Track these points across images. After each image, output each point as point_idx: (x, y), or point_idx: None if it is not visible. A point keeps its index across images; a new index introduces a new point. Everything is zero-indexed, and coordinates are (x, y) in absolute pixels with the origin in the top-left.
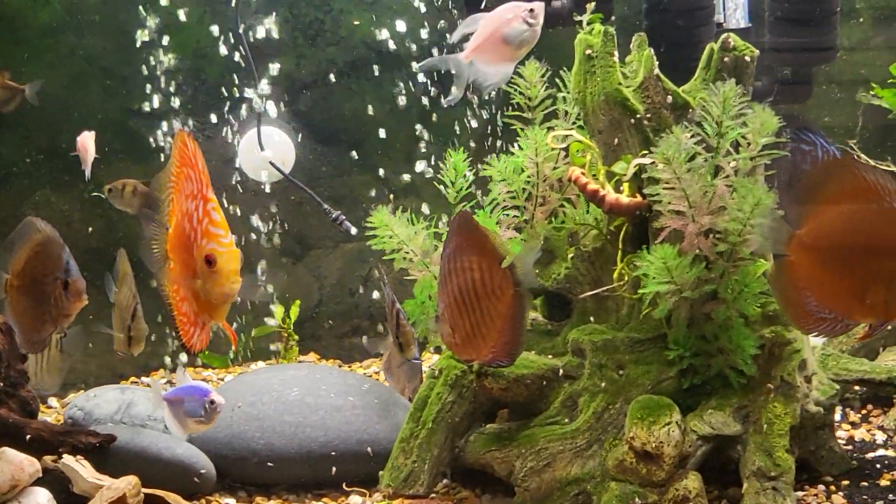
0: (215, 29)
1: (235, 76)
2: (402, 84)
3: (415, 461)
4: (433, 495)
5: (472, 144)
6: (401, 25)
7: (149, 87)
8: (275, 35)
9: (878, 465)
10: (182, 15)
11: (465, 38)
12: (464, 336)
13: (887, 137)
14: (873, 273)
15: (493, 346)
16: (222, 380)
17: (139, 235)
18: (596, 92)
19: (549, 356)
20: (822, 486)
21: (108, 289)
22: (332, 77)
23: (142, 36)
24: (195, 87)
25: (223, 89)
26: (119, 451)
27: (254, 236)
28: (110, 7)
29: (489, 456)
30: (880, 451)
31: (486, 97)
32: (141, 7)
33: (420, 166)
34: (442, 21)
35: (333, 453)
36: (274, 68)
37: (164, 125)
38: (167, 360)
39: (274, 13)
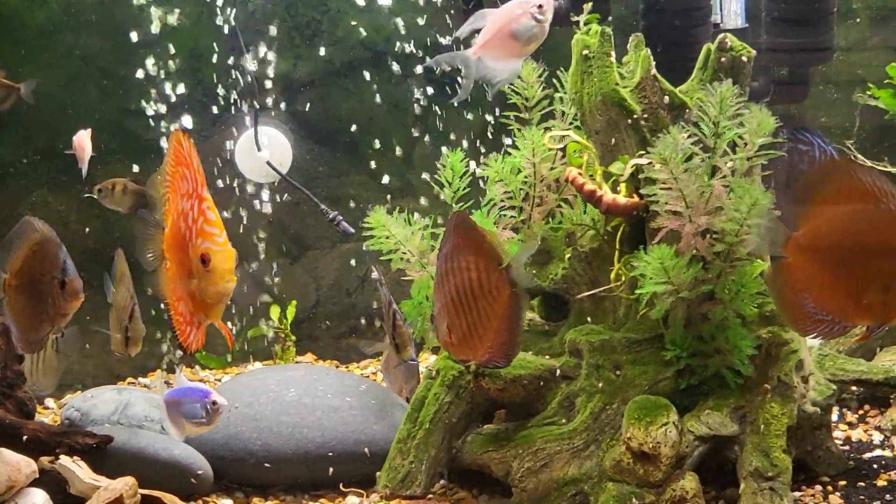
0: (212, 29)
1: (232, 76)
2: (399, 84)
3: (412, 462)
4: (430, 496)
5: (469, 144)
6: (398, 26)
7: (146, 87)
8: (272, 35)
9: (874, 466)
10: (179, 15)
11: (473, 34)
12: (460, 336)
13: (884, 138)
14: (870, 274)
15: (490, 347)
16: (219, 380)
17: (135, 235)
18: (593, 92)
19: (547, 357)
20: (819, 487)
21: (107, 289)
22: (329, 77)
23: (139, 36)
24: (192, 87)
25: (220, 89)
26: (116, 451)
27: (250, 237)
28: (107, 7)
29: (486, 456)
30: (877, 452)
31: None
32: (138, 7)
33: (417, 167)
34: (446, 17)
35: (330, 454)
36: (271, 68)
37: (161, 125)
38: (165, 360)
39: (271, 14)
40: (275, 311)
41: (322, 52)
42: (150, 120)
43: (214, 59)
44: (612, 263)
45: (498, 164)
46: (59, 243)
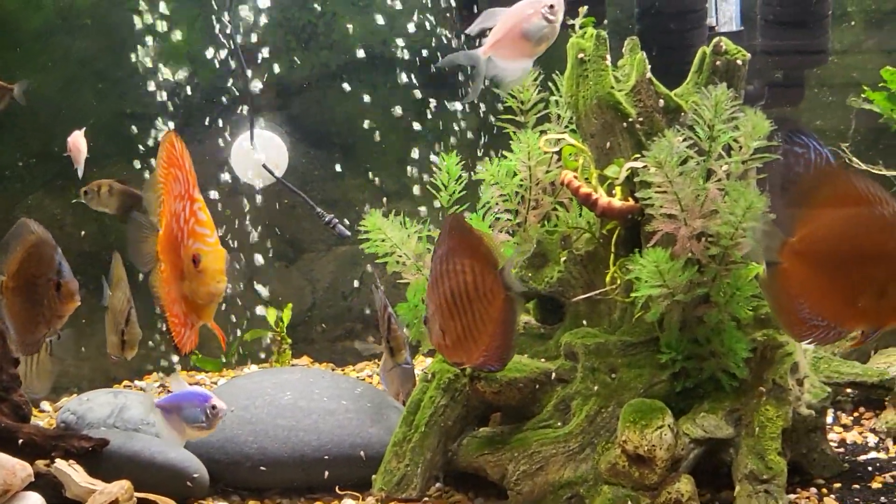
0: (208, 32)
1: (228, 79)
2: (395, 87)
3: (408, 465)
4: (426, 499)
5: (465, 147)
6: (394, 29)
7: (141, 90)
8: (268, 38)
9: (869, 468)
10: (175, 18)
11: (483, 33)
12: (454, 339)
13: (879, 140)
14: (865, 280)
15: (485, 350)
16: (215, 383)
17: (128, 237)
18: (588, 95)
19: (542, 360)
20: (814, 489)
21: (104, 293)
22: (325, 80)
23: (134, 39)
24: (188, 90)
25: (216, 92)
26: (112, 455)
27: (247, 239)
28: (103, 10)
29: (482, 459)
30: (872, 454)
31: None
32: (133, 10)
33: (413, 170)
34: (442, 20)
35: (326, 457)
36: (267, 72)
37: (157, 128)
38: (162, 363)
39: (267, 17)
40: (271, 314)
41: (318, 55)
42: (146, 123)
43: (210, 62)
44: (608, 266)
45: (493, 168)
46: (54, 245)
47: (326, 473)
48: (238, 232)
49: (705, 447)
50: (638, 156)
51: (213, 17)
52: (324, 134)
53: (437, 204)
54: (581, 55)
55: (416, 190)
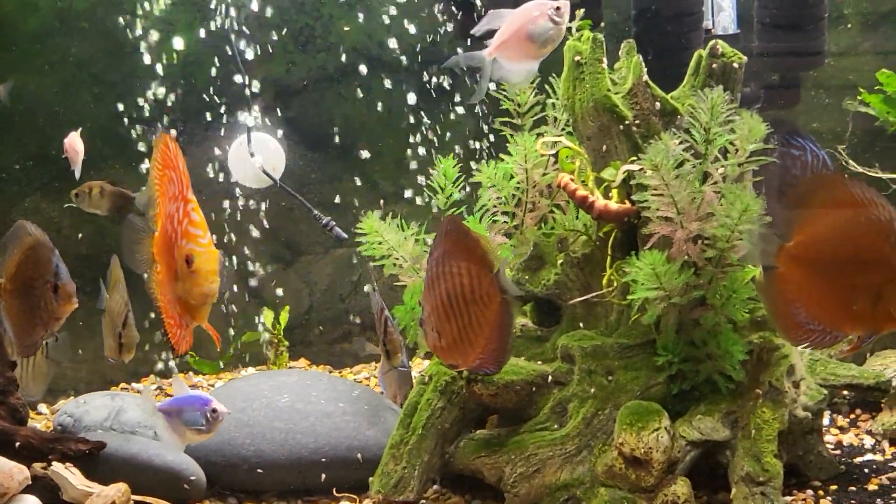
0: (205, 35)
1: (225, 82)
2: (392, 90)
3: (405, 467)
4: (423, 501)
5: (463, 149)
6: (391, 31)
7: (138, 92)
8: (265, 41)
9: (866, 470)
10: (172, 21)
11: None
12: (450, 341)
13: (875, 143)
14: (861, 285)
15: (480, 353)
16: (212, 386)
17: (123, 239)
18: (585, 98)
19: (539, 362)
20: (810, 491)
21: (101, 296)
22: (322, 83)
23: (131, 42)
24: (185, 92)
25: (213, 95)
26: (109, 457)
27: (244, 241)
28: (100, 13)
29: (479, 462)
30: (868, 456)
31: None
32: (130, 13)
33: (410, 172)
34: (438, 22)
35: (323, 459)
36: (264, 74)
37: (154, 131)
38: (159, 365)
39: (265, 19)
40: (268, 317)
41: (315, 57)
42: (143, 126)
43: (207, 64)
44: (604, 269)
45: (490, 170)
46: (52, 247)
47: (323, 476)
48: (235, 234)
49: (702, 449)
50: (634, 158)
51: (211, 19)
52: (321, 136)
53: (434, 206)
54: (578, 58)
55: (413, 192)
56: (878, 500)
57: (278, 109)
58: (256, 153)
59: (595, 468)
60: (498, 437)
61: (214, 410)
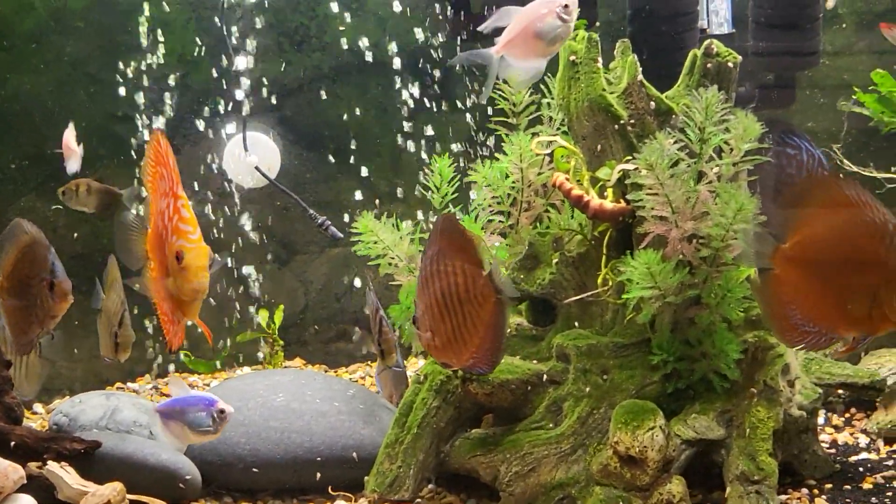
0: (201, 34)
1: (221, 81)
2: (387, 89)
3: (400, 466)
4: (418, 500)
5: (458, 149)
6: (386, 31)
7: (134, 92)
8: (260, 40)
9: (860, 469)
10: (167, 20)
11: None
12: (443, 340)
13: (870, 142)
14: (857, 287)
15: (474, 353)
16: (208, 385)
17: (115, 236)
18: (580, 98)
19: (534, 361)
20: (805, 490)
21: (96, 295)
22: (317, 82)
23: (127, 41)
24: (180, 92)
25: (208, 95)
26: (104, 457)
27: (239, 240)
28: (95, 13)
29: (474, 461)
30: (863, 455)
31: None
32: (125, 13)
33: (406, 172)
34: (434, 21)
35: (319, 459)
36: (259, 73)
37: (150, 130)
38: (155, 365)
39: (260, 19)
40: (263, 316)
41: (310, 57)
42: (138, 125)
43: (202, 64)
44: (600, 268)
45: (486, 169)
46: (47, 245)
47: (319, 475)
48: (230, 234)
49: (697, 448)
50: (629, 158)
51: (206, 19)
52: (316, 136)
53: (430, 206)
54: (573, 57)
55: (409, 192)
56: (873, 498)
57: (274, 109)
58: (252, 153)
59: (590, 467)
60: (493, 436)
61: (222, 411)
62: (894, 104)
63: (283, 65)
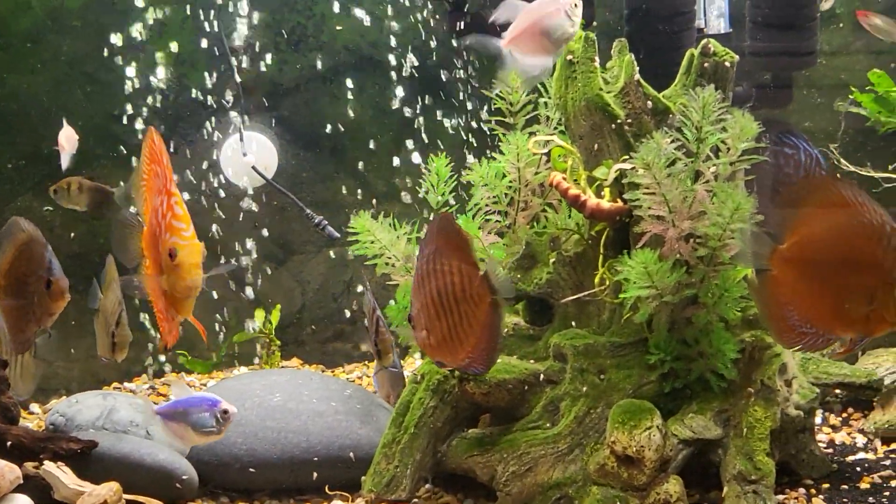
0: (198, 34)
1: (218, 81)
2: (384, 88)
3: (397, 466)
4: (415, 500)
5: (455, 149)
6: (383, 30)
7: (131, 92)
8: (257, 40)
9: (858, 468)
10: (164, 20)
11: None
12: (438, 338)
13: (867, 142)
14: (854, 288)
15: (469, 352)
16: (204, 385)
17: (112, 234)
18: (577, 97)
19: (531, 361)
20: (802, 490)
21: (93, 295)
22: (314, 82)
23: (124, 41)
24: (177, 92)
25: (205, 94)
26: (101, 457)
27: (235, 240)
28: (92, 12)
29: (471, 461)
30: (861, 455)
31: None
32: (123, 12)
33: (403, 171)
34: (431, 21)
35: (315, 459)
36: (256, 73)
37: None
38: (151, 364)
39: (257, 18)
40: (260, 316)
41: (307, 56)
42: (136, 125)
43: (200, 63)
44: (597, 268)
45: (483, 169)
46: (44, 243)
47: (315, 475)
48: (227, 233)
49: (694, 448)
50: (626, 157)
51: (203, 18)
52: (313, 135)
53: (427, 205)
54: (570, 57)
55: (405, 191)
56: (870, 498)
57: (270, 108)
58: (249, 152)
59: (587, 467)
60: (490, 435)
61: (225, 411)
62: (891, 104)
63: (280, 64)
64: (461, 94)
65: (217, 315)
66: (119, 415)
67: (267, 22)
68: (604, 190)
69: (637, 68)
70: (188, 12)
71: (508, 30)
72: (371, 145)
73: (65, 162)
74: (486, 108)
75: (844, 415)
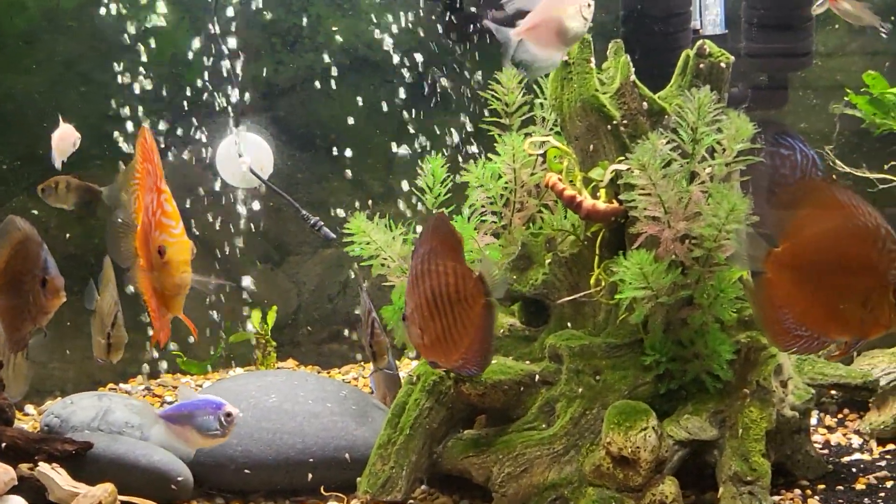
0: (194, 34)
1: (213, 81)
2: (380, 89)
3: (392, 467)
4: (411, 501)
5: (451, 150)
6: (379, 31)
7: (126, 92)
8: (253, 41)
9: (853, 469)
10: (160, 20)
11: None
12: (432, 339)
13: (862, 144)
14: (849, 291)
15: (464, 353)
16: (200, 386)
17: (106, 233)
18: (573, 98)
19: (527, 362)
20: (798, 490)
21: (89, 296)
22: (310, 82)
23: (119, 41)
24: (173, 92)
25: (201, 95)
26: (96, 458)
27: (231, 242)
28: (88, 12)
29: (467, 462)
30: (856, 455)
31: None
32: (119, 12)
33: (398, 173)
34: (426, 21)
35: (311, 460)
36: (252, 73)
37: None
38: (147, 366)
39: (252, 19)
40: (256, 317)
41: (303, 57)
42: (131, 125)
43: (196, 64)
44: (592, 269)
45: (479, 170)
46: (40, 242)
47: (311, 476)
48: (223, 234)
49: (689, 449)
50: (622, 158)
51: (199, 19)
52: (309, 136)
53: (422, 206)
54: (565, 58)
55: (401, 192)
56: (866, 499)
57: (266, 109)
58: (244, 153)
59: (583, 468)
60: (486, 436)
61: (229, 414)
62: (886, 106)
63: (276, 65)
64: (457, 94)
65: (212, 313)
66: (114, 416)
67: (263, 22)
68: (599, 191)
69: (633, 69)
70: (184, 12)
71: (524, 20)
72: (367, 146)
73: (56, 161)
74: (474, 108)
75: (840, 416)
